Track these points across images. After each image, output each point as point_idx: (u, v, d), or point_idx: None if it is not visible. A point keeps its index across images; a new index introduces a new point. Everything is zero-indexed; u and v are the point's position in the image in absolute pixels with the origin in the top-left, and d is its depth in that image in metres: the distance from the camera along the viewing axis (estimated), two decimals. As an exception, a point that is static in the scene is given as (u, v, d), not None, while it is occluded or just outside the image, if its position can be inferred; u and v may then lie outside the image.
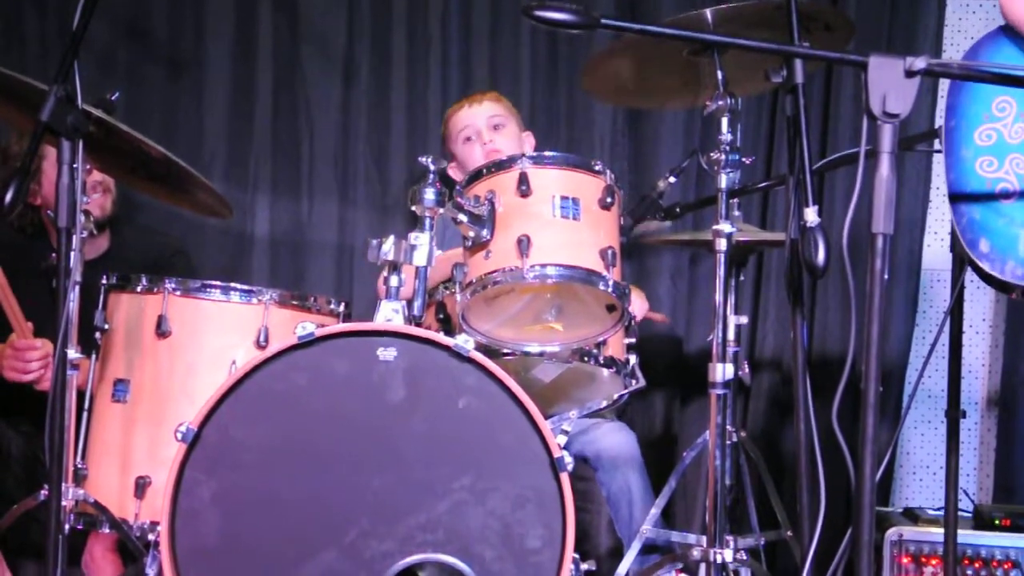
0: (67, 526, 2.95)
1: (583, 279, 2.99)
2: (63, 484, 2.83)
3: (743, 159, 3.05)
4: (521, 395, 2.73)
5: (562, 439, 2.92)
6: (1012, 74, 2.50)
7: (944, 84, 3.01)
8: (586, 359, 3.16)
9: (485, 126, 4.06)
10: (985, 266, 2.81)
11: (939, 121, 3.10)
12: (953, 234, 2.92)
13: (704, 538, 3.10)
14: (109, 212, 4.09)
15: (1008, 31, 2.90)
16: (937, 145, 2.99)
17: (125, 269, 3.35)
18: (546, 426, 2.73)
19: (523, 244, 2.94)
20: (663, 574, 3.56)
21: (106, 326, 3.26)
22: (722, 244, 3.02)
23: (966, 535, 3.79)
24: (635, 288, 3.69)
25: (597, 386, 3.37)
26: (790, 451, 4.44)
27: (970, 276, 2.97)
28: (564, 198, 3.00)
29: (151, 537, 3.03)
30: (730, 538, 3.11)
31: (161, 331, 3.18)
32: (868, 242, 2.17)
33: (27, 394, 3.70)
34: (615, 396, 3.35)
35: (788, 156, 2.73)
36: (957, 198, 2.89)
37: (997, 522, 3.90)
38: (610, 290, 2.99)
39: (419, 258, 2.94)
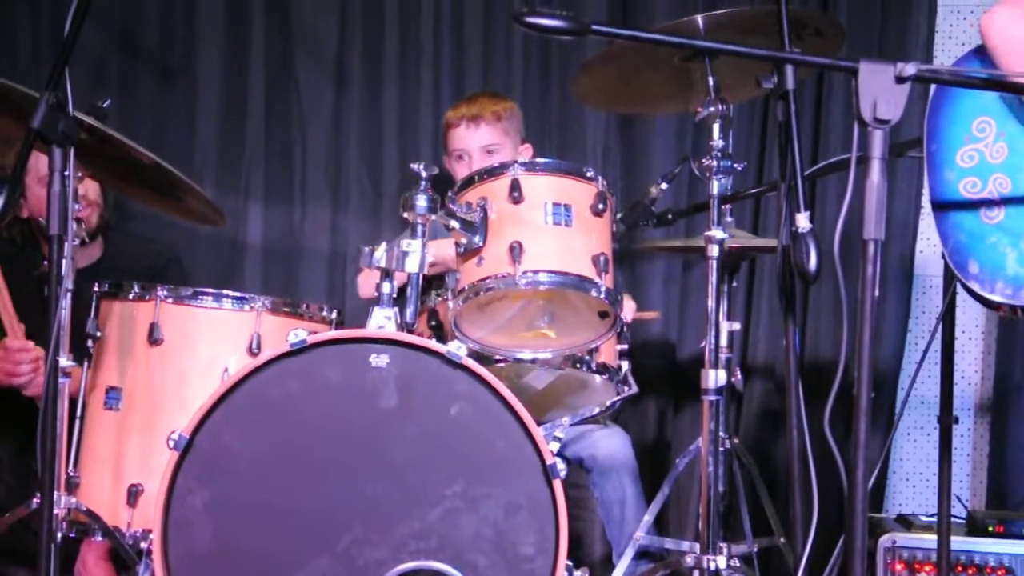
0: (59, 534, 2.93)
1: (575, 285, 2.99)
2: (55, 492, 2.82)
3: (735, 165, 3.06)
4: (514, 402, 2.72)
5: (555, 446, 2.92)
6: (1002, 79, 2.50)
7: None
8: (578, 366, 3.15)
9: (477, 153, 4.05)
10: (975, 287, 2.82)
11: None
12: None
13: (697, 545, 3.10)
14: (95, 224, 4.07)
15: (981, 53, 2.90)
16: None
17: (118, 277, 3.35)
18: (539, 433, 2.73)
19: (515, 251, 2.93)
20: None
21: (98, 334, 3.26)
22: (714, 250, 3.02)
23: (960, 542, 3.79)
24: None
25: (590, 393, 3.36)
26: (783, 458, 4.44)
27: (962, 282, 2.97)
28: (556, 204, 3.00)
29: (144, 545, 3.03)
30: (723, 545, 3.11)
31: (153, 339, 3.18)
32: (860, 248, 2.17)
33: (19, 402, 3.69)
34: (608, 402, 3.35)
35: (780, 162, 2.72)
36: (943, 221, 2.90)
37: (991, 528, 3.89)
38: (602, 296, 2.99)
39: (411, 264, 2.94)
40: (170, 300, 3.21)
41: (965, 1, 4.81)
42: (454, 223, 2.99)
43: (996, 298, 2.78)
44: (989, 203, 2.81)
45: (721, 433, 3.18)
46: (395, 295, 2.96)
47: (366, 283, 3.93)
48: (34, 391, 3.61)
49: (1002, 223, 2.80)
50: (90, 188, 3.99)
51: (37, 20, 4.80)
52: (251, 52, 4.81)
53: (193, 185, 3.39)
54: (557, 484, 2.70)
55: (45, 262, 2.81)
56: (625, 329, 3.28)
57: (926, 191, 4.60)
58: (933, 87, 2.96)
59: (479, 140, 4.05)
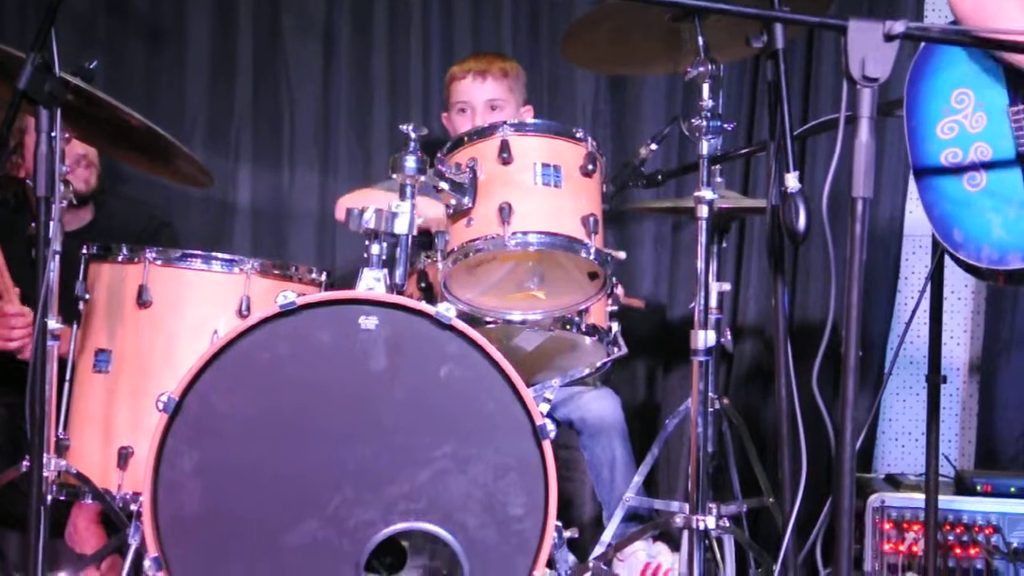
0: (49, 497, 2.94)
1: (565, 246, 2.99)
2: (45, 455, 2.83)
3: (724, 125, 3.04)
4: (503, 363, 2.72)
5: (544, 407, 2.92)
6: (991, 37, 2.49)
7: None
8: (568, 327, 3.15)
9: (482, 107, 4.03)
10: (961, 255, 2.83)
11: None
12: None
13: (687, 505, 3.11)
14: (94, 186, 4.07)
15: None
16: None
17: (110, 241, 3.34)
18: (528, 394, 2.73)
19: (505, 212, 2.93)
20: (644, 541, 3.59)
21: (87, 296, 3.25)
22: (704, 211, 3.02)
23: (948, 501, 3.81)
24: None
25: (579, 354, 3.36)
26: (772, 418, 4.45)
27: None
28: (545, 165, 3.00)
29: (133, 507, 3.03)
30: (712, 505, 3.12)
31: (142, 301, 3.17)
32: (849, 207, 2.16)
33: (10, 364, 3.69)
34: (597, 364, 3.35)
35: (769, 122, 2.71)
36: (927, 192, 2.90)
37: (979, 488, 3.91)
38: (592, 257, 2.99)
39: (400, 226, 2.92)
40: (159, 262, 3.21)
41: (956, -40, 4.79)
42: (443, 184, 2.98)
43: (982, 264, 2.79)
44: (972, 170, 2.81)
45: (711, 394, 3.19)
46: (384, 257, 2.95)
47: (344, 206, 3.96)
48: (28, 356, 3.61)
49: (986, 189, 2.80)
50: (90, 149, 3.98)
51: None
52: (240, 14, 4.79)
53: (182, 147, 3.37)
54: (547, 445, 2.71)
55: (33, 224, 2.80)
56: (615, 291, 3.28)
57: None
58: (914, 60, 2.96)
59: (484, 94, 4.04)
